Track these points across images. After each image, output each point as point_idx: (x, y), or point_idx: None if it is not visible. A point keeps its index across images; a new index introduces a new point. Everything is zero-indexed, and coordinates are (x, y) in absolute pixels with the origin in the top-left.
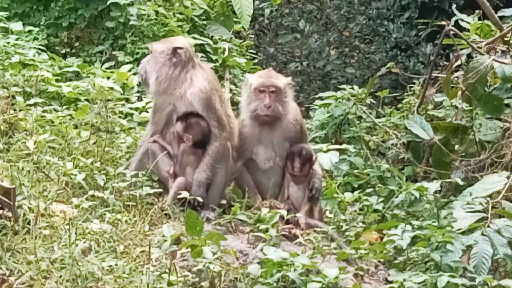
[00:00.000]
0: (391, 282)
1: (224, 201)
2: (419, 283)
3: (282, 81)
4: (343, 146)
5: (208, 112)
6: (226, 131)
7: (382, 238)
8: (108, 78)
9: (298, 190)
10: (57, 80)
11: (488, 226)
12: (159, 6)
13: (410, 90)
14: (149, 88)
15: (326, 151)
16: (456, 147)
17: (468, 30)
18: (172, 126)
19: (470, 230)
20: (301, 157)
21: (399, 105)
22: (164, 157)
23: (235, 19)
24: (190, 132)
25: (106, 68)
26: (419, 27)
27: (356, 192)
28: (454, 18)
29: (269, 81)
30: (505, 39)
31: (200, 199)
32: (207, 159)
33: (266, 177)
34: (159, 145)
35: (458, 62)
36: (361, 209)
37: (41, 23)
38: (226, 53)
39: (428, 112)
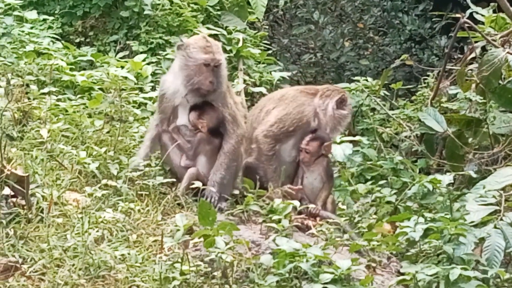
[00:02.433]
0: (403, 274)
1: (237, 191)
2: (431, 275)
3: None
4: (357, 138)
5: (224, 107)
6: (241, 128)
7: (394, 230)
8: (122, 67)
9: (314, 180)
10: (71, 69)
11: (501, 219)
12: None
13: (424, 83)
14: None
15: (339, 143)
16: (470, 139)
17: (483, 23)
18: (177, 119)
19: (482, 223)
20: (313, 134)
21: (413, 97)
22: (175, 148)
23: (249, 10)
24: (204, 117)
25: (120, 58)
26: (433, 19)
27: (369, 184)
28: (468, 11)
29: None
30: None
31: (216, 198)
32: (222, 159)
33: (290, 166)
34: (169, 135)
35: (473, 55)
36: (373, 201)
37: (56, 12)
38: (240, 44)
39: (442, 105)
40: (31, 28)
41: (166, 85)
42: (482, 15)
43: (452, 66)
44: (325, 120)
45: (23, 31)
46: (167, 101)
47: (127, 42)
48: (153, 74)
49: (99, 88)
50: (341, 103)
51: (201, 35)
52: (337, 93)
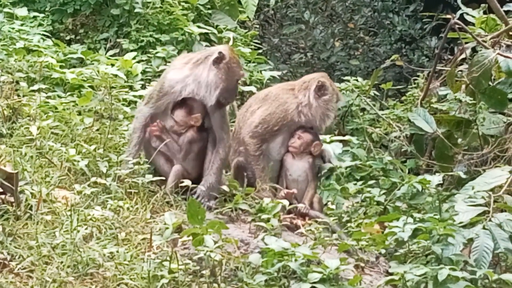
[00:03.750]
0: (391, 274)
1: (226, 188)
2: (419, 275)
3: None
4: (346, 137)
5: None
6: (229, 133)
7: (383, 231)
8: (112, 65)
9: (298, 177)
10: (61, 67)
11: (490, 220)
12: None
13: (414, 83)
14: None
15: (329, 142)
16: (459, 140)
17: (473, 24)
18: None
19: (471, 224)
20: (304, 128)
21: (403, 98)
22: (158, 147)
23: (240, 9)
24: (195, 112)
25: (111, 56)
26: (424, 20)
27: (358, 184)
28: (459, 12)
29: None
30: (510, 33)
31: (207, 198)
32: (218, 165)
33: (279, 164)
34: (159, 136)
35: (463, 56)
36: (363, 201)
37: (46, 9)
38: (230, 43)
39: (431, 105)
40: (21, 25)
41: (179, 86)
42: (473, 16)
43: (442, 67)
44: (311, 113)
45: (13, 28)
46: (168, 99)
47: (118, 40)
48: (143, 72)
49: (89, 86)
50: (320, 90)
51: (229, 47)
52: (313, 82)
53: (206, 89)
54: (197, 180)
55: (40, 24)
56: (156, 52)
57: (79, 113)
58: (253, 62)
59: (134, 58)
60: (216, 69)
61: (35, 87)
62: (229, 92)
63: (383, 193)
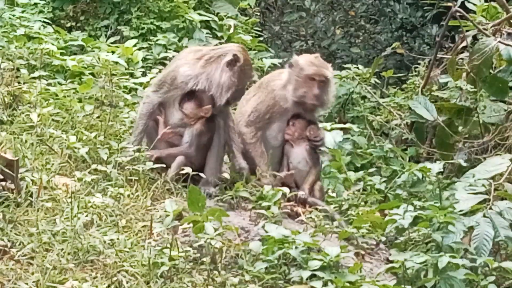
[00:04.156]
0: (392, 261)
1: (228, 176)
2: (420, 263)
3: (330, 71)
4: (347, 125)
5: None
6: (234, 121)
7: (383, 218)
8: (113, 52)
9: (298, 164)
10: (62, 54)
11: (490, 208)
12: None
13: (415, 71)
14: None
15: (330, 130)
16: (460, 128)
17: (474, 12)
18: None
19: (472, 212)
20: (300, 116)
21: (404, 86)
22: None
23: None
24: (205, 103)
25: (111, 43)
26: (425, 8)
27: (359, 172)
28: (460, 0)
29: (321, 71)
30: (511, 21)
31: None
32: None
33: (277, 151)
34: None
35: (464, 44)
36: (363, 189)
37: None
38: (231, 30)
39: (432, 93)
40: (22, 12)
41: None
42: (474, 4)
43: (443, 54)
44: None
45: (14, 15)
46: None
47: (118, 27)
48: (144, 59)
49: (90, 73)
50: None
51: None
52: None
53: (217, 89)
54: (200, 169)
55: (40, 11)
56: (157, 40)
57: (80, 100)
58: (254, 50)
59: (135, 45)
60: (230, 71)
61: (36, 74)
62: (238, 92)
63: (384, 181)
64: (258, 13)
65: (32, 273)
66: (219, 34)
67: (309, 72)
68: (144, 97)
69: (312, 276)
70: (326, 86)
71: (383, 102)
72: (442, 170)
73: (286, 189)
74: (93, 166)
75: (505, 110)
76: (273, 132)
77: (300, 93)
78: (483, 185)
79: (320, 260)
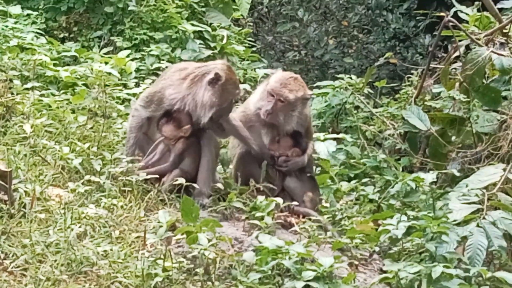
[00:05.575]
0: (385, 271)
1: (221, 186)
2: (413, 273)
3: (297, 95)
4: (340, 135)
5: None
6: None
7: (377, 228)
8: (106, 63)
9: (294, 181)
10: (55, 65)
11: (484, 218)
12: None
13: (408, 81)
14: None
15: (323, 140)
16: (453, 138)
17: (467, 22)
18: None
19: (465, 222)
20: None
21: (397, 96)
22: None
23: (234, 7)
24: (183, 123)
25: (104, 53)
26: (418, 18)
27: (352, 182)
28: (453, 9)
29: (281, 91)
30: (504, 31)
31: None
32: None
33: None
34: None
35: (457, 54)
36: (357, 199)
37: (40, 7)
38: (224, 41)
39: (425, 103)
40: (15, 23)
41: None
42: (467, 14)
43: (436, 64)
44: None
45: (6, 26)
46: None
47: (111, 38)
48: (137, 70)
49: (83, 84)
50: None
51: (227, 66)
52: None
53: (201, 109)
54: (194, 180)
55: (33, 22)
56: (150, 50)
57: (73, 111)
58: (247, 60)
59: (128, 56)
60: (212, 89)
61: (29, 85)
62: (222, 110)
63: (377, 191)
64: (251, 24)
65: (26, 285)
66: (212, 45)
67: (269, 88)
68: (133, 110)
69: (306, 287)
70: (286, 107)
71: (376, 112)
72: (435, 180)
73: (279, 200)
74: (87, 177)
75: (498, 120)
76: (263, 142)
77: (258, 105)
78: (477, 195)
79: (314, 270)
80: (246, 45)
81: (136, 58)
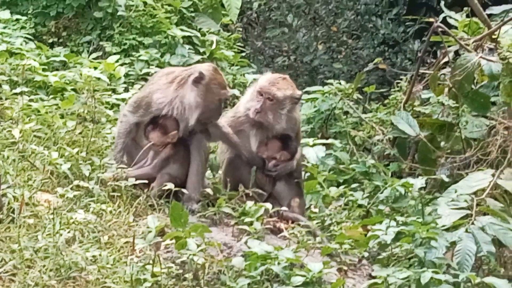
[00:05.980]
0: (374, 277)
1: (211, 191)
2: (402, 278)
3: (286, 93)
4: (329, 140)
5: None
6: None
7: (366, 234)
8: (95, 68)
9: (282, 186)
10: (44, 70)
11: (472, 223)
12: None
13: (397, 86)
14: None
15: (312, 146)
16: (442, 144)
17: (456, 27)
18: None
19: (454, 227)
20: (278, 138)
21: (386, 101)
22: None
23: (223, 12)
24: (170, 130)
25: (93, 59)
26: (407, 23)
27: (341, 187)
28: (442, 15)
29: (269, 89)
30: (493, 36)
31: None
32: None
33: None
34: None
35: (446, 59)
36: (346, 204)
37: (29, 12)
38: (213, 46)
39: (414, 109)
40: (4, 28)
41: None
42: (456, 20)
43: (425, 70)
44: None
45: None
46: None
47: (100, 43)
48: (126, 75)
49: (72, 89)
50: None
51: (212, 66)
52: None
53: (188, 111)
54: (183, 186)
55: (22, 27)
56: (139, 55)
57: (62, 116)
58: (236, 65)
59: (117, 61)
60: (196, 89)
61: (18, 90)
62: (210, 112)
63: (366, 196)
64: (241, 29)
65: None
66: (201, 50)
67: (258, 87)
68: (121, 116)
69: None
70: (275, 106)
71: (365, 118)
72: (424, 185)
73: (268, 205)
74: (75, 182)
75: (487, 125)
76: (252, 146)
77: (247, 105)
78: (465, 201)
79: (303, 276)
80: (235, 50)
81: (125, 63)
